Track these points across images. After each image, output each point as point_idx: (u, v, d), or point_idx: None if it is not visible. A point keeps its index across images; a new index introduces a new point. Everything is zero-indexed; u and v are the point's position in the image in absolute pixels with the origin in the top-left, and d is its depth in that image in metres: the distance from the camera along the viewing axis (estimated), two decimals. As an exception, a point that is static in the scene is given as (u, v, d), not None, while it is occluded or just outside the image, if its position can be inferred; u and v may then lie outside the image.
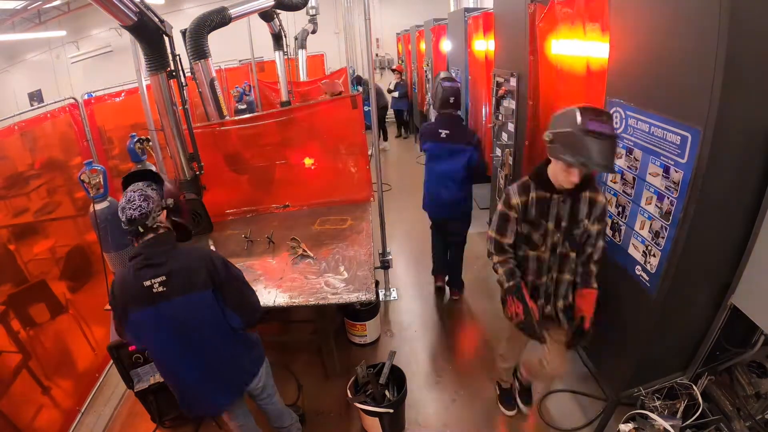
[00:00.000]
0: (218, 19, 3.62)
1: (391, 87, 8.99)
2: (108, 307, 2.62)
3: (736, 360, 1.91)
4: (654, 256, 1.74)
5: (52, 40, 11.95)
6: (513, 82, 3.02)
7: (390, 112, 9.81)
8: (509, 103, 3.14)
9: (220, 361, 1.87)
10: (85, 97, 3.66)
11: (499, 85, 3.28)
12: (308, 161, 3.83)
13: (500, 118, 3.33)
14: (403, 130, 9.87)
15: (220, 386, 1.92)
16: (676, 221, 1.61)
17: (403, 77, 9.33)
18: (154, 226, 1.68)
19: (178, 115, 3.09)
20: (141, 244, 1.67)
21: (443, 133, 3.07)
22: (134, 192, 1.66)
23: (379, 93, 8.05)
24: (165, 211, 1.75)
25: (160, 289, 1.64)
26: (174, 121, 3.07)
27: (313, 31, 7.71)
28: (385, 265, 3.72)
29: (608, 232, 2.05)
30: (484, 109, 4.25)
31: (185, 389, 1.89)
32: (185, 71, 3.10)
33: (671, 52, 1.57)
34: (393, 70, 9.39)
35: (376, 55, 11.67)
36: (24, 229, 3.07)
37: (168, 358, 1.81)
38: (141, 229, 1.64)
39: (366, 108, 3.92)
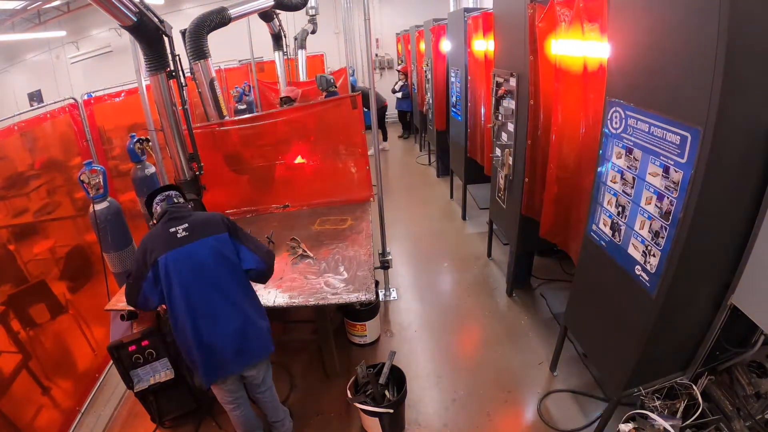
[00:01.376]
0: (218, 19, 3.62)
1: (396, 87, 9.06)
2: (108, 307, 2.65)
3: (736, 360, 1.91)
4: (654, 256, 1.74)
5: (51, 41, 11.94)
6: (513, 82, 3.02)
7: (393, 113, 9.84)
8: (509, 103, 3.14)
9: (241, 310, 2.03)
10: (85, 97, 3.66)
11: (498, 85, 3.28)
12: (299, 159, 3.84)
13: (500, 118, 3.33)
14: (405, 131, 9.93)
15: (244, 339, 2.03)
16: (675, 221, 1.61)
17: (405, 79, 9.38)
18: (177, 201, 2.22)
19: (178, 116, 3.09)
20: (166, 207, 2.12)
21: None
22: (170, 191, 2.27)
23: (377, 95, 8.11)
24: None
25: (184, 233, 2.00)
26: (174, 122, 3.07)
27: (313, 31, 7.71)
28: (385, 265, 3.73)
29: (608, 232, 2.05)
30: (483, 109, 4.24)
31: (207, 344, 1.96)
32: (185, 71, 3.10)
33: (671, 52, 1.57)
34: (399, 72, 9.44)
35: (376, 55, 11.66)
36: (24, 229, 3.07)
37: (191, 303, 1.94)
38: (168, 205, 2.15)
39: (365, 108, 3.92)
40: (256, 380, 2.19)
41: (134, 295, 1.99)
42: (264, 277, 2.20)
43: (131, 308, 2.59)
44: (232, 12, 3.83)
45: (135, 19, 2.59)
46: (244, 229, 2.21)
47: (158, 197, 2.22)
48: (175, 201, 2.21)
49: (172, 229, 2.00)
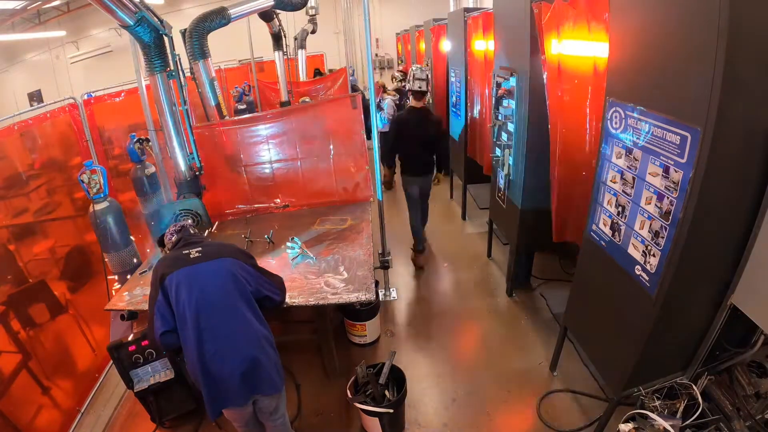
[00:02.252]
0: (218, 19, 3.61)
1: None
2: (108, 307, 2.65)
3: (736, 360, 1.91)
4: (654, 255, 1.74)
5: (51, 40, 11.95)
6: (513, 82, 3.02)
7: None
8: (509, 103, 3.14)
9: (253, 336, 1.92)
10: (85, 97, 3.66)
11: (499, 85, 3.28)
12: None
13: (500, 118, 3.33)
14: None
15: (254, 367, 1.89)
16: (675, 221, 1.61)
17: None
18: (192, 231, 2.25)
19: (178, 116, 3.09)
20: (180, 234, 2.15)
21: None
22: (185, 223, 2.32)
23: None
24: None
25: (197, 255, 1.99)
26: (174, 122, 3.07)
27: (313, 31, 7.71)
28: (385, 265, 3.72)
29: (608, 232, 2.06)
30: (483, 109, 4.24)
31: (212, 370, 1.82)
32: (185, 71, 3.10)
33: (671, 52, 1.57)
34: (400, 72, 9.43)
35: (376, 55, 11.66)
36: (24, 229, 3.07)
37: (199, 324, 1.83)
38: (184, 233, 2.18)
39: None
40: (269, 409, 2.09)
41: (150, 323, 1.88)
42: (277, 307, 2.17)
43: (132, 309, 2.61)
44: (232, 12, 3.83)
45: (135, 19, 2.59)
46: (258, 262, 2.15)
47: (172, 229, 2.21)
48: (191, 232, 2.21)
49: (185, 251, 1.99)
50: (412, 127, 3.94)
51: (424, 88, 3.84)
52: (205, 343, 1.83)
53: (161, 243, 2.24)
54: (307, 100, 5.49)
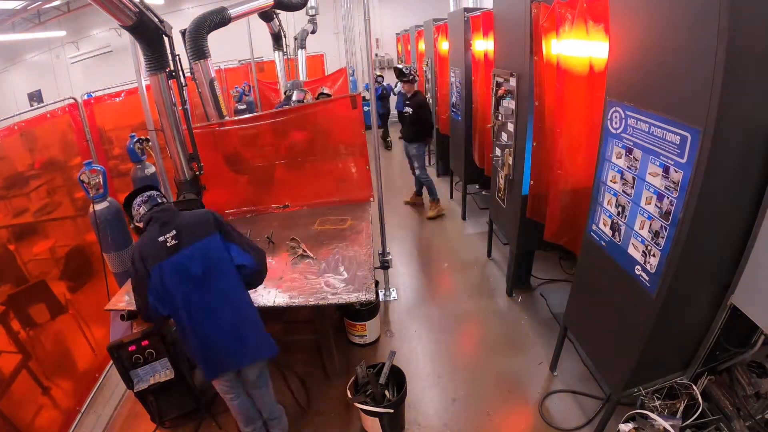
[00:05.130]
0: (218, 19, 3.61)
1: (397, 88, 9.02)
2: (108, 307, 2.65)
3: (736, 360, 1.91)
4: (654, 256, 1.74)
5: (51, 40, 11.94)
6: (513, 82, 3.02)
7: (392, 113, 9.81)
8: (509, 103, 3.14)
9: (238, 305, 2.06)
10: (85, 97, 3.66)
11: (498, 85, 3.28)
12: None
13: (500, 118, 3.33)
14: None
15: (241, 332, 2.05)
16: (675, 221, 1.61)
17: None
18: (161, 201, 2.19)
19: (178, 116, 3.09)
20: (151, 212, 2.07)
21: None
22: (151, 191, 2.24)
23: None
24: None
25: (173, 242, 1.97)
26: (174, 122, 3.07)
27: (313, 31, 7.71)
28: (385, 265, 3.72)
29: (608, 232, 2.05)
30: (483, 109, 4.24)
31: (206, 339, 1.99)
32: (185, 71, 3.10)
33: (671, 52, 1.57)
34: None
35: (376, 55, 11.65)
36: (24, 229, 3.07)
37: (189, 306, 1.97)
38: (151, 205, 2.14)
39: (366, 108, 3.92)
40: (251, 377, 2.20)
41: (144, 305, 1.99)
42: (257, 276, 2.18)
43: (132, 309, 2.60)
44: (232, 12, 3.83)
45: (135, 19, 2.58)
46: (236, 229, 2.18)
47: (138, 198, 2.16)
48: (159, 201, 2.17)
49: (161, 238, 1.98)
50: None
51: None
52: (195, 322, 1.98)
53: (127, 209, 2.19)
54: (325, 90, 5.61)
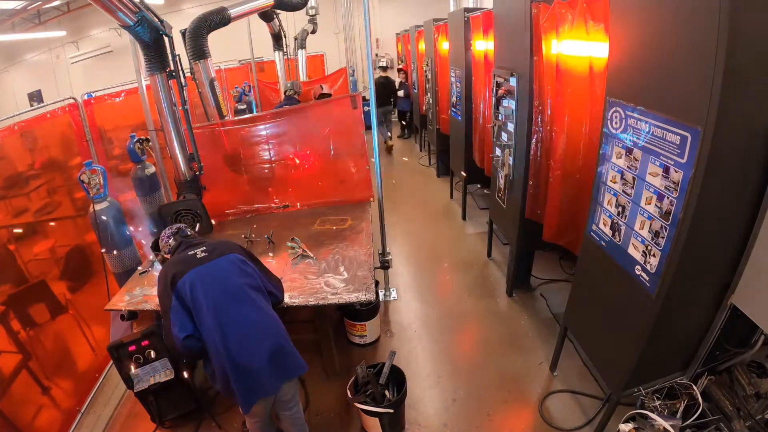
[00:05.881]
0: (218, 19, 3.62)
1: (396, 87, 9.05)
2: (108, 307, 2.65)
3: (736, 360, 1.91)
4: (654, 256, 1.74)
5: (51, 41, 11.93)
6: (513, 82, 3.02)
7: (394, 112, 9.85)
8: (509, 103, 3.14)
9: (273, 323, 1.99)
10: (85, 97, 3.65)
11: (499, 85, 3.28)
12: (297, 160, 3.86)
13: (500, 118, 3.33)
14: (405, 131, 9.91)
15: (281, 354, 1.94)
16: (675, 221, 1.61)
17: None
18: (189, 234, 2.26)
19: (178, 115, 3.09)
20: (178, 237, 2.15)
21: None
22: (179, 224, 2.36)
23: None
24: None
25: (203, 254, 2.00)
26: (174, 122, 3.07)
27: (313, 31, 7.71)
28: (385, 265, 3.72)
29: (608, 231, 2.05)
30: (483, 109, 4.24)
31: (242, 364, 1.84)
32: (185, 71, 3.10)
33: (671, 52, 1.57)
34: (399, 70, 9.43)
35: (376, 55, 11.65)
36: (24, 229, 3.07)
37: (220, 321, 1.84)
38: (181, 237, 2.18)
39: (366, 108, 3.92)
40: (287, 396, 2.10)
41: (167, 333, 1.91)
42: (275, 306, 2.16)
43: (132, 309, 2.61)
44: (232, 12, 3.83)
45: (135, 19, 2.59)
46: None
47: (168, 230, 2.19)
48: (188, 233, 2.23)
49: (191, 252, 2.00)
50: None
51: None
52: (229, 338, 1.85)
53: (155, 247, 2.22)
54: (325, 90, 5.63)
